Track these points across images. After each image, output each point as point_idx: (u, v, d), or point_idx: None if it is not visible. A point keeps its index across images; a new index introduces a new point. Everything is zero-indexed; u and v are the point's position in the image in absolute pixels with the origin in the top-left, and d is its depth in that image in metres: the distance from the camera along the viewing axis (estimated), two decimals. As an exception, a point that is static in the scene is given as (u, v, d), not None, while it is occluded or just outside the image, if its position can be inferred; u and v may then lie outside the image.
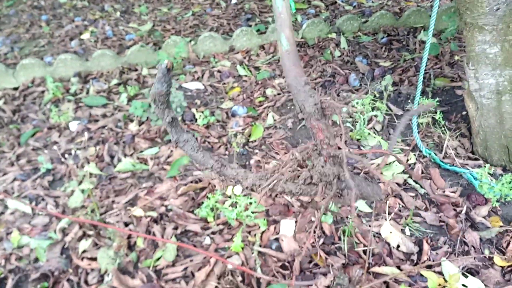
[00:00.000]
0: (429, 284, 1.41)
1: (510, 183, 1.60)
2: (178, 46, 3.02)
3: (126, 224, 1.87)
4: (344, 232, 1.65)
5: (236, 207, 1.65)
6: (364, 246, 1.59)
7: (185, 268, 1.64)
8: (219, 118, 2.49)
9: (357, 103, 2.06)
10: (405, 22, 3.26)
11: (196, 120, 2.49)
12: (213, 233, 1.77)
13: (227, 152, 2.25)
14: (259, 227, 1.73)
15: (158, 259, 1.69)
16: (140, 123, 2.54)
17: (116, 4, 4.56)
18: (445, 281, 1.43)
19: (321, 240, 1.65)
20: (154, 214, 1.89)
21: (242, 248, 1.66)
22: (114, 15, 4.30)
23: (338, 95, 2.53)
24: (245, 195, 1.75)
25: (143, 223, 1.86)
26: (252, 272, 1.51)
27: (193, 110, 2.56)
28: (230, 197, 1.73)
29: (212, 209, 1.76)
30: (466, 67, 1.84)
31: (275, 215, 1.81)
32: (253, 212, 1.72)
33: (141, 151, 2.32)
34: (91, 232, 1.81)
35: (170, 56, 3.07)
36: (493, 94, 1.80)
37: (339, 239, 1.65)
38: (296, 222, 1.76)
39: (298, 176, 0.99)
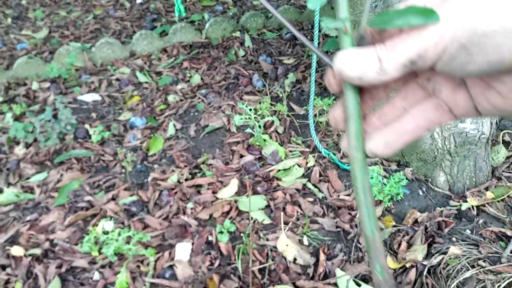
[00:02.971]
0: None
1: (397, 183, 1.59)
2: (70, 55, 2.77)
3: (4, 267, 1.67)
4: (239, 250, 1.57)
5: (113, 242, 1.50)
6: (261, 263, 1.52)
7: (68, 312, 1.48)
8: (116, 132, 2.31)
9: (254, 108, 1.98)
10: (309, 16, 3.24)
11: (90, 136, 2.30)
12: (102, 266, 1.62)
13: (123, 170, 2.08)
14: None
15: (39, 305, 1.52)
16: (28, 145, 2.30)
17: (7, 9, 4.15)
18: (340, 292, 1.39)
19: (217, 262, 1.56)
20: (38, 251, 1.70)
21: (134, 280, 1.53)
22: (4, 21, 3.91)
23: (241, 98, 2.45)
24: (122, 228, 1.61)
25: (24, 264, 1.66)
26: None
27: (87, 125, 2.36)
28: (105, 233, 1.58)
29: (96, 242, 1.60)
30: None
31: (171, 238, 1.69)
32: (139, 242, 1.59)
33: (27, 178, 2.09)
34: (-42, 284, 1.59)
35: (63, 67, 2.81)
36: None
37: (236, 258, 1.56)
38: (192, 244, 1.65)
39: None
